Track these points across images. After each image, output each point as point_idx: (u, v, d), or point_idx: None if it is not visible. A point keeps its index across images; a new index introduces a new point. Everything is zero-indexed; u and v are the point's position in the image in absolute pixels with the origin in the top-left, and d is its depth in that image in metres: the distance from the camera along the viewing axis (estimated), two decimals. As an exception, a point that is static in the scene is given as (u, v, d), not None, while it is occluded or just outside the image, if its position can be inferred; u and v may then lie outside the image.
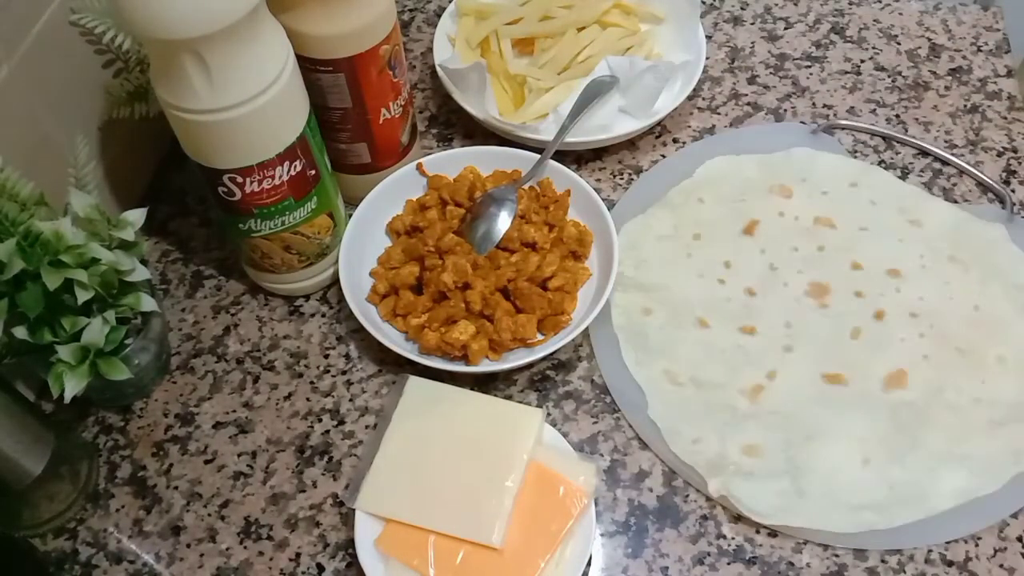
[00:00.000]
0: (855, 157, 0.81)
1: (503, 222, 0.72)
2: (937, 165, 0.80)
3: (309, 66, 0.67)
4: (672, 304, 0.72)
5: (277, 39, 0.61)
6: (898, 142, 0.82)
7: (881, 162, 0.81)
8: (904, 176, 0.79)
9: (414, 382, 0.66)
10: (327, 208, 0.70)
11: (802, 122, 0.84)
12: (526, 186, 0.75)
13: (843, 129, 0.83)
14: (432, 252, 0.71)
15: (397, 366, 0.71)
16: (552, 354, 0.69)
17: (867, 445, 0.65)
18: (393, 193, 0.77)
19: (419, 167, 0.77)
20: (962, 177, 0.79)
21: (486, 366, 0.68)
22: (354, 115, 0.72)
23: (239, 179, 0.63)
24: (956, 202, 0.78)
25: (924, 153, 0.81)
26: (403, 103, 0.74)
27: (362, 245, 0.74)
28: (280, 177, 0.64)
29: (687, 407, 0.67)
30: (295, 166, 0.65)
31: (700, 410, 0.67)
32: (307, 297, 0.75)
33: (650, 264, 0.74)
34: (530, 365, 0.70)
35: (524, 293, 0.69)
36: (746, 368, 0.69)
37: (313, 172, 0.67)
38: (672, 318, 0.71)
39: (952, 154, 0.80)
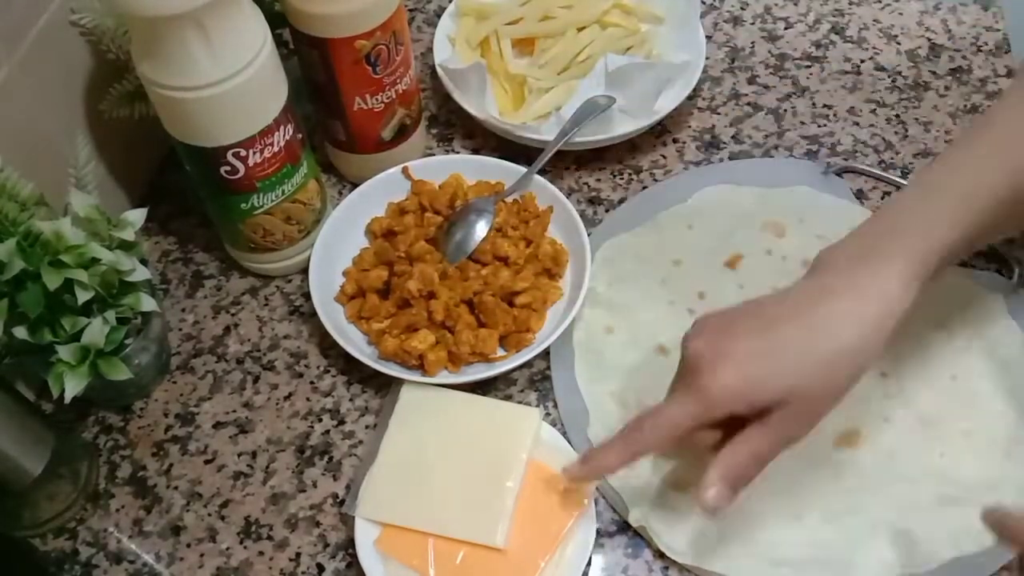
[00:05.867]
0: (862, 200, 0.78)
1: (478, 234, 0.72)
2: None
3: (294, 34, 0.70)
4: (635, 326, 0.70)
5: None
6: None
7: (881, 161, 0.81)
8: (904, 175, 0.79)
9: (409, 387, 0.66)
10: (314, 172, 0.72)
11: (808, 157, 0.81)
12: (508, 199, 0.75)
13: (860, 174, 0.80)
14: (402, 258, 0.71)
15: (397, 366, 0.71)
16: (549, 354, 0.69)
17: (803, 500, 0.62)
18: (377, 194, 0.76)
19: (404, 170, 0.77)
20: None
21: (443, 378, 0.67)
22: (329, 91, 0.73)
23: (242, 152, 0.64)
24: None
25: (925, 154, 0.81)
26: (387, 100, 0.74)
27: (339, 243, 0.74)
28: (278, 143, 0.65)
29: None
30: (288, 129, 0.66)
31: None
32: (307, 296, 0.75)
33: (623, 283, 0.72)
34: (491, 379, 0.68)
35: (488, 308, 0.68)
36: None
37: (300, 136, 0.68)
38: (632, 340, 0.70)
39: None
